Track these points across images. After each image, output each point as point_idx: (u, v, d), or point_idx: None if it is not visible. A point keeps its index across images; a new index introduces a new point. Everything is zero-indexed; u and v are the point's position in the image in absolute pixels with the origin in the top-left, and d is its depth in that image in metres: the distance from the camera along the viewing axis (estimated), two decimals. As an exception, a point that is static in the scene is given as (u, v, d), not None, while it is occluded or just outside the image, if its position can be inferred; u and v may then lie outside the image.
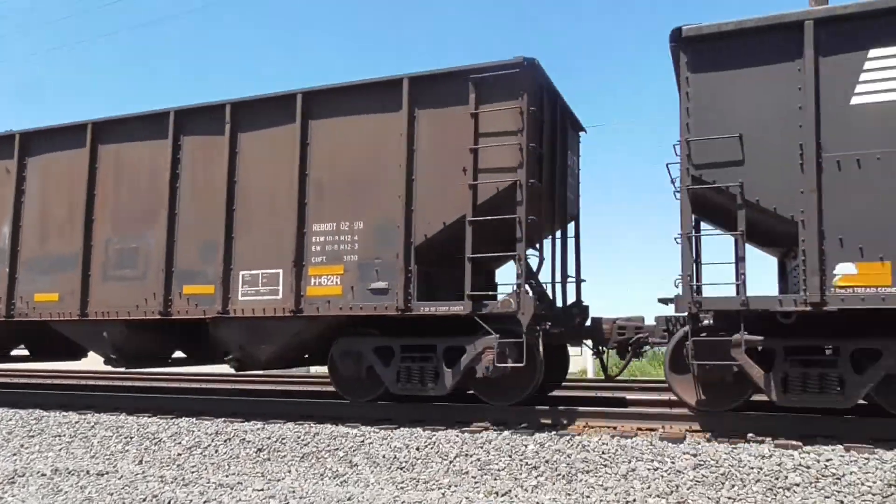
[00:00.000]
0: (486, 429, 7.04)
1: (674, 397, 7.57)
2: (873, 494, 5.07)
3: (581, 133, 9.64)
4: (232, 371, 8.95)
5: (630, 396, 9.20)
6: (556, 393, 9.43)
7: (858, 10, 6.18)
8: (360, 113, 7.94)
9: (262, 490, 6.12)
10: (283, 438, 7.21)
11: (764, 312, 6.45)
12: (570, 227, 9.41)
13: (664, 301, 7.35)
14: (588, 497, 5.51)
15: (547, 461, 6.06)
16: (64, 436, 8.19)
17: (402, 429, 7.13)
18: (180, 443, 7.54)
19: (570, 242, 9.34)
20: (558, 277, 8.90)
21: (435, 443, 6.60)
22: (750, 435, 6.54)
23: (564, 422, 7.38)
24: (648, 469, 5.73)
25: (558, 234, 9.12)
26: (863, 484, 5.18)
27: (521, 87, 7.26)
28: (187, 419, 8.18)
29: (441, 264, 7.82)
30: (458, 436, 6.69)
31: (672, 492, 5.43)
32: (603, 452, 6.06)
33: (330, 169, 8.03)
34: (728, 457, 5.72)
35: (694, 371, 6.74)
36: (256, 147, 8.43)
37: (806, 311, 6.19)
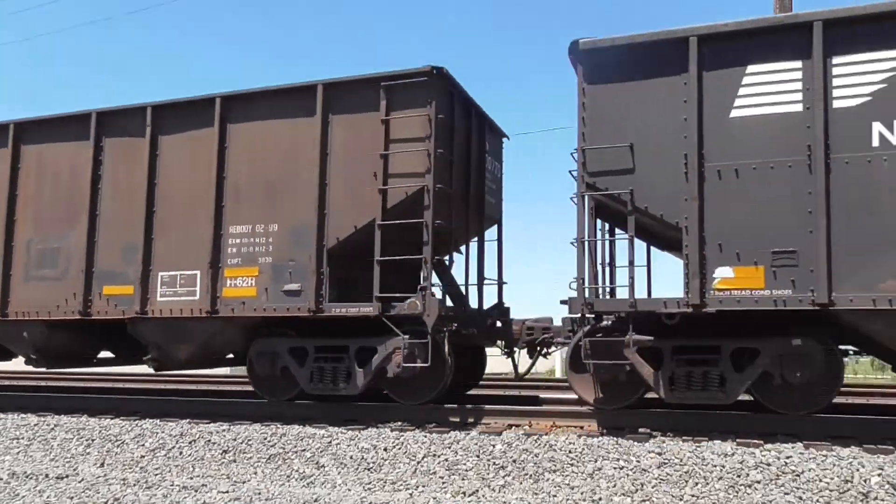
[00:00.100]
0: (452, 429, 7.10)
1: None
2: (830, 490, 5.23)
3: (504, 140, 9.91)
4: (200, 371, 8.98)
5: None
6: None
7: (737, 28, 6.52)
8: (276, 117, 8.10)
9: (227, 492, 6.07)
10: (250, 440, 7.17)
11: (651, 314, 6.76)
12: (494, 230, 9.69)
13: (565, 302, 7.62)
14: (555, 496, 5.59)
15: (514, 461, 6.12)
16: (22, 438, 8.04)
17: (369, 429, 7.15)
18: (144, 445, 7.45)
19: (494, 245, 9.63)
20: (482, 279, 9.15)
21: (403, 443, 6.64)
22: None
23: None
24: (614, 468, 5.83)
25: (485, 236, 9.40)
26: (821, 480, 5.34)
27: (429, 94, 7.48)
28: (151, 420, 8.07)
29: (357, 266, 8.00)
30: (426, 436, 6.74)
31: (637, 490, 5.54)
32: (570, 452, 6.14)
33: (247, 172, 8.17)
34: (692, 455, 5.84)
35: (590, 370, 7.03)
36: (176, 149, 8.54)
37: (687, 312, 6.51)
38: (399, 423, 7.50)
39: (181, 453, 7.16)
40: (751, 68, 6.50)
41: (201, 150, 8.35)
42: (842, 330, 6.52)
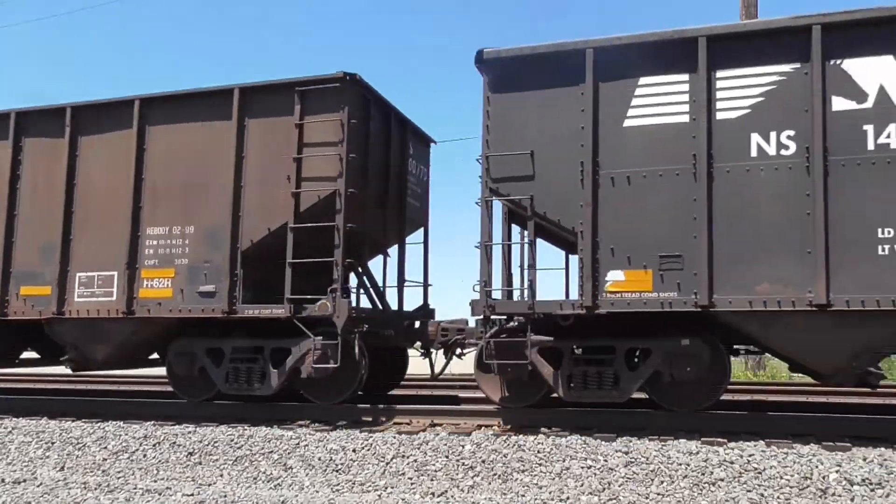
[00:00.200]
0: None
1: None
2: (791, 487, 5.36)
3: (432, 145, 10.12)
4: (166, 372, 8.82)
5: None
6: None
7: (630, 41, 6.81)
8: (194, 120, 8.19)
9: (191, 495, 5.98)
10: (216, 442, 7.08)
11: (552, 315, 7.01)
12: (421, 233, 9.89)
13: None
14: (523, 496, 5.62)
15: (483, 461, 6.16)
16: (-23, 443, 7.79)
17: (338, 430, 7.16)
18: (106, 447, 7.29)
19: (420, 248, 9.82)
20: (402, 282, 9.34)
21: (372, 444, 6.65)
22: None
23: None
24: (582, 467, 5.89)
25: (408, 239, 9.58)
26: (781, 477, 5.47)
27: (342, 100, 7.65)
28: (114, 423, 7.93)
29: (273, 269, 8.11)
30: (395, 437, 6.77)
31: (604, 489, 5.61)
32: (538, 452, 6.20)
33: (165, 174, 8.24)
34: (658, 454, 5.94)
35: (494, 370, 7.25)
36: (96, 150, 8.57)
37: (581, 314, 6.78)
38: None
39: (145, 456, 7.06)
40: (643, 80, 6.80)
41: (120, 152, 8.40)
42: (727, 331, 6.83)
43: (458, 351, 8.27)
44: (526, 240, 7.15)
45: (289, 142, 7.78)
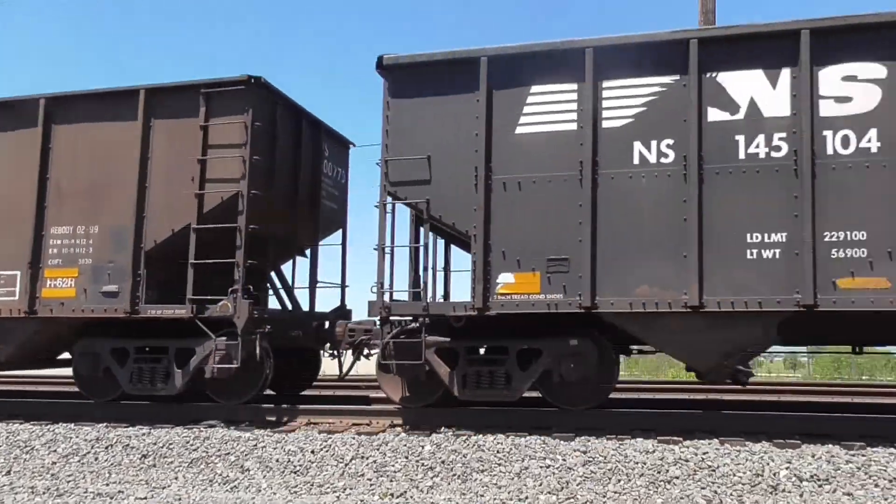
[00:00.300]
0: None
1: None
2: (743, 484, 5.48)
3: (351, 147, 10.23)
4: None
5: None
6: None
7: (521, 50, 7.03)
8: (100, 120, 8.18)
9: (144, 499, 5.89)
10: (171, 443, 6.96)
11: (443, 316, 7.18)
12: (338, 234, 9.99)
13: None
14: (482, 496, 5.64)
15: (443, 461, 6.16)
16: (-84, 448, 7.49)
17: (296, 432, 7.11)
18: (55, 450, 7.10)
19: (338, 250, 9.92)
20: (314, 283, 9.43)
21: (330, 445, 6.59)
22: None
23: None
24: (541, 467, 5.93)
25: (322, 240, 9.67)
26: (734, 474, 5.59)
27: (247, 102, 7.72)
28: (65, 425, 7.73)
29: (179, 269, 8.11)
30: (354, 438, 6.73)
31: (563, 488, 5.66)
32: (498, 452, 6.23)
33: (70, 173, 8.21)
34: (615, 453, 6.03)
35: (393, 370, 7.39)
36: (0, 148, 8.48)
37: (472, 315, 6.96)
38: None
39: (97, 459, 6.90)
40: (534, 88, 7.02)
41: (25, 150, 8.33)
42: (616, 331, 7.07)
43: (366, 352, 8.38)
44: (421, 242, 7.29)
45: (194, 143, 7.82)
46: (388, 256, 7.31)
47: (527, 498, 5.55)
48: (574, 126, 6.87)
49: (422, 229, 7.34)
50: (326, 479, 6.14)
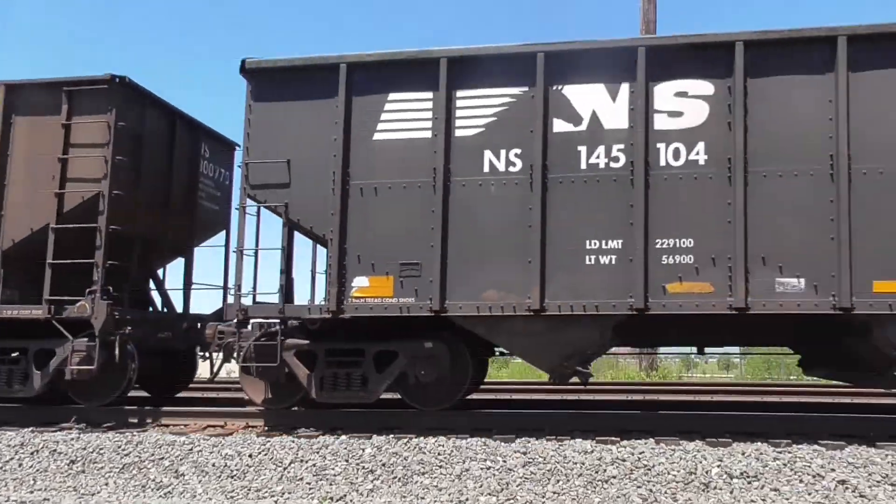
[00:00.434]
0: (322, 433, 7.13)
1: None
2: (677, 482, 5.60)
3: (237, 149, 10.20)
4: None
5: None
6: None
7: (380, 58, 7.17)
8: (-42, 115, 7.97)
9: None
10: (101, 448, 6.71)
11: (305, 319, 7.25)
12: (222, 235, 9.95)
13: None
14: (423, 499, 5.61)
15: (384, 464, 6.14)
16: None
17: (234, 436, 7.01)
18: None
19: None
20: (189, 285, 9.37)
21: (269, 449, 6.49)
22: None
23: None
24: (482, 468, 5.95)
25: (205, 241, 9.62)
26: (669, 473, 5.70)
27: (111, 102, 7.66)
28: None
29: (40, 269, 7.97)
30: (293, 441, 6.64)
31: (503, 489, 5.68)
32: (439, 454, 6.21)
33: (-72, 169, 7.97)
34: (555, 453, 6.07)
35: (253, 372, 7.42)
36: None
37: (327, 318, 7.06)
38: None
39: (21, 465, 6.60)
40: (392, 96, 7.16)
41: None
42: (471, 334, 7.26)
43: (235, 353, 8.37)
44: (279, 245, 7.34)
45: (56, 142, 7.71)
46: (251, 259, 7.37)
47: (467, 500, 5.57)
48: (429, 134, 7.04)
49: (283, 232, 7.39)
50: (264, 484, 6.06)
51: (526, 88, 6.92)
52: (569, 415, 7.38)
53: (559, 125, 6.85)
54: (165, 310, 9.20)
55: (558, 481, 5.76)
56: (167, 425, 7.66)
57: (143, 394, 9.49)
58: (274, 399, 7.75)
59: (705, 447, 6.18)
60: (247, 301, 7.50)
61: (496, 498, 5.56)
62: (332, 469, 6.16)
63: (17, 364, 7.81)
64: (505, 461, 6.04)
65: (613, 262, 6.64)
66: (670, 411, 7.58)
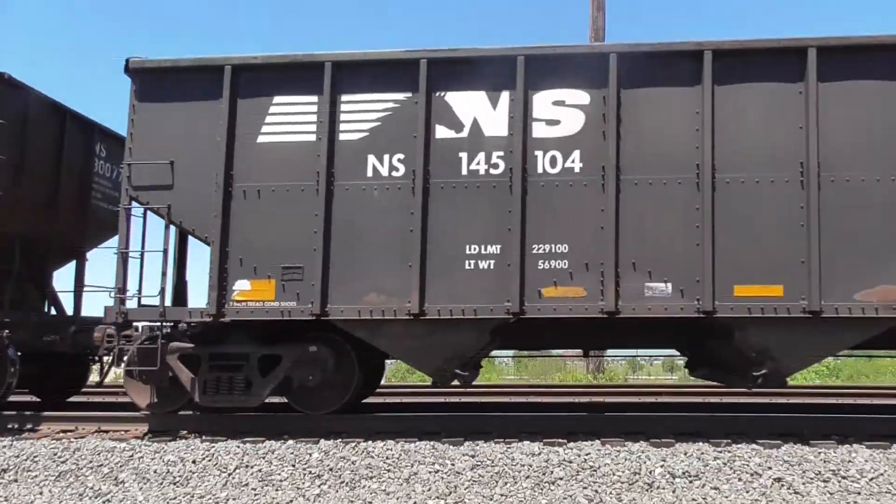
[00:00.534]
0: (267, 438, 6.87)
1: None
2: (622, 482, 5.71)
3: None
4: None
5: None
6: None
7: (265, 61, 7.14)
8: None
9: None
10: (36, 456, 6.48)
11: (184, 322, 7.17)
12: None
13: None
14: (371, 503, 5.62)
15: (331, 469, 6.09)
16: None
17: (177, 441, 6.84)
18: None
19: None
20: (80, 287, 9.16)
21: (213, 455, 6.37)
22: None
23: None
24: (430, 472, 5.96)
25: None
26: (614, 474, 5.80)
27: (-14, 101, 7.42)
28: None
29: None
30: (238, 447, 6.52)
31: (451, 492, 5.69)
32: (387, 458, 6.20)
33: None
34: (503, 456, 6.11)
35: (134, 375, 7.30)
36: None
37: (207, 321, 6.99)
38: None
39: None
40: (277, 99, 7.14)
41: None
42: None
43: (125, 357, 8.21)
44: (162, 248, 7.24)
45: (-72, 139, 7.43)
46: (121, 262, 7.24)
47: (415, 503, 5.60)
48: (313, 137, 7.04)
49: (165, 235, 7.28)
50: (208, 490, 5.95)
51: (410, 94, 6.99)
52: (517, 417, 7.44)
53: (441, 131, 6.94)
54: (53, 313, 8.95)
55: (506, 483, 5.83)
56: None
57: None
58: (161, 403, 7.63)
59: (649, 448, 6.32)
60: (133, 304, 7.40)
61: (444, 501, 5.61)
62: (279, 474, 6.13)
63: None
64: (453, 464, 6.08)
65: (492, 266, 6.76)
66: (616, 413, 7.76)
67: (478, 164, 6.88)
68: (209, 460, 6.36)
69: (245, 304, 6.97)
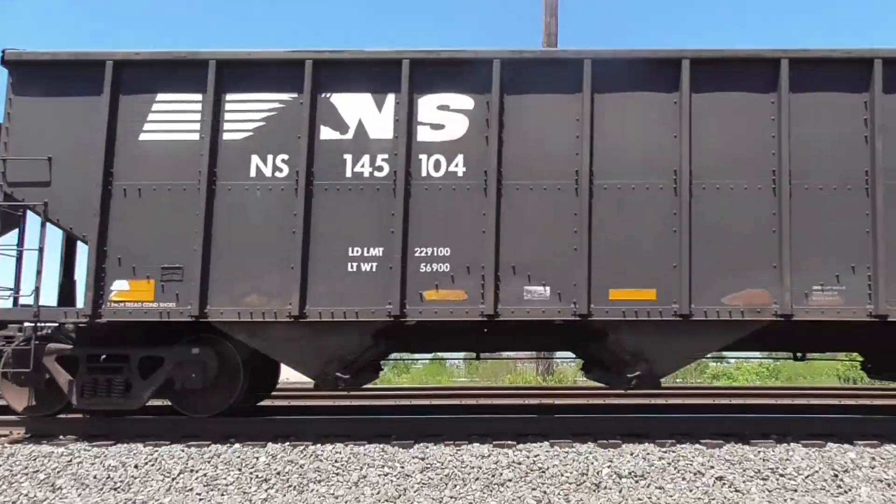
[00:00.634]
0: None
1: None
2: (570, 483, 5.76)
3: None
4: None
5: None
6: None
7: (149, 58, 7.01)
8: None
9: None
10: None
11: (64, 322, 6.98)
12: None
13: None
14: None
15: (278, 473, 5.98)
16: None
17: (119, 445, 6.59)
18: None
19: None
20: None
21: (157, 459, 6.20)
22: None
23: None
24: (379, 475, 5.92)
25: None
26: (562, 475, 5.85)
27: None
28: None
29: None
30: (183, 451, 6.36)
31: (400, 495, 5.65)
32: (336, 461, 6.11)
33: None
34: (452, 458, 6.09)
35: (9, 377, 7.06)
36: None
37: (82, 323, 6.82)
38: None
39: None
40: (160, 96, 7.00)
41: None
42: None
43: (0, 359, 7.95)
44: (37, 246, 7.04)
45: None
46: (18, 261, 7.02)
47: None
48: (196, 136, 6.93)
49: (41, 232, 7.08)
50: (151, 495, 5.82)
51: (295, 95, 6.94)
52: (467, 420, 7.44)
53: (326, 133, 6.92)
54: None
55: (455, 486, 5.84)
56: None
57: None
58: (39, 406, 7.40)
59: (597, 449, 6.41)
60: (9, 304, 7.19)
61: None
62: (224, 479, 6.01)
63: None
64: (403, 467, 6.06)
65: (374, 269, 6.76)
66: (565, 415, 7.84)
67: (362, 166, 6.88)
68: (152, 465, 6.24)
69: (123, 304, 6.82)
